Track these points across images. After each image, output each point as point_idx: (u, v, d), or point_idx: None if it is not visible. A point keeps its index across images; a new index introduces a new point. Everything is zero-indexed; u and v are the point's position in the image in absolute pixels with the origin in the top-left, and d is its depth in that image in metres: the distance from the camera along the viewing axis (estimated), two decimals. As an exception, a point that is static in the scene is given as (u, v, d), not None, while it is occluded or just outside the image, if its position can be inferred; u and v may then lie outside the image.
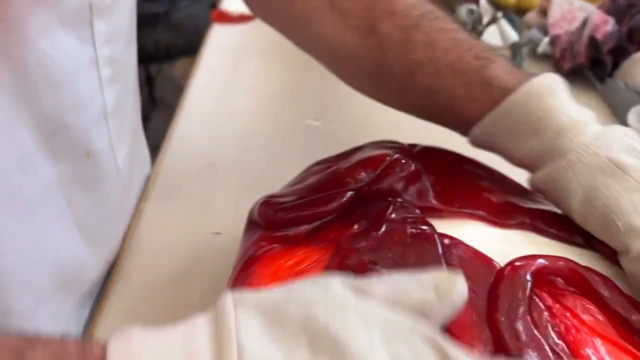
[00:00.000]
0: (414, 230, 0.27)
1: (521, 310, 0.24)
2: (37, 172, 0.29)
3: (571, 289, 0.26)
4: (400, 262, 0.26)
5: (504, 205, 0.31)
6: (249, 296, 0.20)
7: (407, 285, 0.21)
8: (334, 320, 0.19)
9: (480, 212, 0.30)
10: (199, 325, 0.20)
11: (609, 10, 0.67)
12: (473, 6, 0.70)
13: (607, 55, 0.58)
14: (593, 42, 0.58)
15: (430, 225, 0.28)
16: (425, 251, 0.26)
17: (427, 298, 0.20)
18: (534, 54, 0.69)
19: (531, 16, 0.76)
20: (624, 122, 0.57)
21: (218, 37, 0.77)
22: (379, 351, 0.18)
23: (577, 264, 0.27)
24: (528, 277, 0.26)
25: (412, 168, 0.30)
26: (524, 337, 0.23)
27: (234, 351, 0.19)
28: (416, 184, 0.30)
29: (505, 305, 0.25)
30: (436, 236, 0.27)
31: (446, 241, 0.28)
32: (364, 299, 0.20)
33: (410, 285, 0.21)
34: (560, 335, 0.24)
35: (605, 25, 0.59)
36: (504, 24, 0.68)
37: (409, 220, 0.28)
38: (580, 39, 0.61)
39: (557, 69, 0.65)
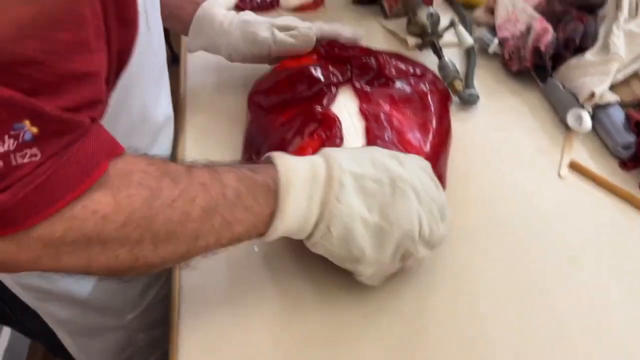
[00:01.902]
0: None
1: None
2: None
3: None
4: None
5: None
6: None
7: None
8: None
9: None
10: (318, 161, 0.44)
11: (544, 12, 0.78)
12: (432, 10, 0.78)
13: (548, 61, 0.69)
14: (537, 52, 0.69)
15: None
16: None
17: None
18: (485, 53, 0.79)
19: (479, 13, 0.86)
20: (563, 118, 0.69)
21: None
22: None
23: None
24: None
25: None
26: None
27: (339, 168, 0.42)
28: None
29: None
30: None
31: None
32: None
33: None
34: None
35: (546, 35, 0.70)
36: (461, 29, 0.77)
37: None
38: (525, 45, 0.72)
39: (506, 68, 0.76)
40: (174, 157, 0.68)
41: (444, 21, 0.82)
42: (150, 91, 0.57)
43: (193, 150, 0.67)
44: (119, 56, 0.37)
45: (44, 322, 0.66)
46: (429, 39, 0.77)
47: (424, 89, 0.60)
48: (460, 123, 0.71)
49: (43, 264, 0.35)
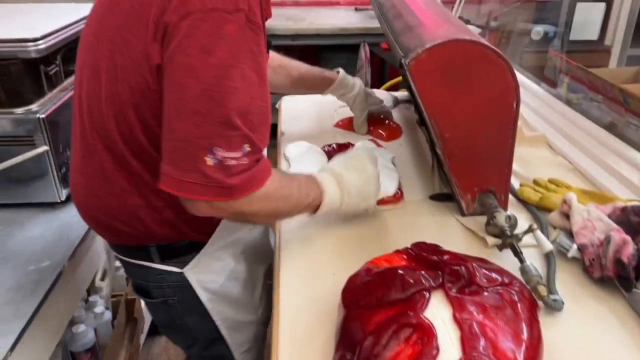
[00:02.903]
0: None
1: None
2: None
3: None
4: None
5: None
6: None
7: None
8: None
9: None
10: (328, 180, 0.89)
11: (619, 221, 0.82)
12: (510, 213, 0.84)
13: (632, 272, 0.71)
14: (619, 262, 0.72)
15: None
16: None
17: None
18: (564, 256, 0.82)
19: (554, 216, 0.91)
20: (652, 330, 0.68)
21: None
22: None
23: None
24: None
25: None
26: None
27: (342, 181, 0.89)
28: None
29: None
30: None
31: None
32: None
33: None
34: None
35: (627, 247, 0.74)
36: (539, 234, 0.82)
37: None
38: (606, 254, 0.75)
39: (588, 274, 0.78)
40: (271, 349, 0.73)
41: (520, 222, 0.88)
42: None
43: (289, 349, 0.71)
44: None
45: (210, 324, 0.96)
46: (508, 241, 0.82)
47: (514, 297, 0.64)
48: (547, 329, 0.71)
49: (259, 211, 0.78)
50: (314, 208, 0.86)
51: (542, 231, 0.89)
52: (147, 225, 0.84)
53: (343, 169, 0.90)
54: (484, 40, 0.83)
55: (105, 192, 0.83)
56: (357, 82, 1.29)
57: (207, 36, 0.66)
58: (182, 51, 0.66)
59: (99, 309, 1.47)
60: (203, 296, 0.92)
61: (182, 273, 0.90)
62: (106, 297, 1.55)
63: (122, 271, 1.63)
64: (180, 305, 0.94)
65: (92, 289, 1.52)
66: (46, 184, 1.18)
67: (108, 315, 1.50)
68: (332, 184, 0.87)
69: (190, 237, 0.88)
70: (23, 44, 1.10)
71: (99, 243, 1.26)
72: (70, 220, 1.16)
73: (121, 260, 0.97)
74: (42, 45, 1.12)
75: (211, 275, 0.93)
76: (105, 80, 0.76)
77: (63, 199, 1.20)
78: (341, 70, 1.28)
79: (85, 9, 1.37)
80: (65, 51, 1.29)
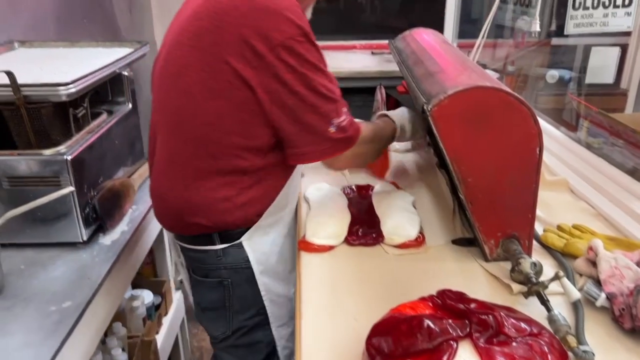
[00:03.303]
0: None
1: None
2: None
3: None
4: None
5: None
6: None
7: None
8: None
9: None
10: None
11: (648, 269, 0.79)
12: (535, 260, 0.83)
13: (664, 323, 0.69)
14: (652, 313, 0.70)
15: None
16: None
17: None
18: (592, 305, 0.80)
19: (579, 264, 0.89)
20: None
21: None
22: None
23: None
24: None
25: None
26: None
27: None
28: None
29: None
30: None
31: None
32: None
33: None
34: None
35: (658, 296, 0.71)
36: (566, 282, 0.80)
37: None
38: (636, 304, 0.73)
39: (617, 324, 0.76)
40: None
41: (545, 268, 0.87)
42: None
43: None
44: None
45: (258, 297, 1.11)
46: (534, 288, 0.81)
47: (544, 348, 0.62)
48: (578, 383, 0.69)
49: (368, 150, 1.10)
50: (391, 140, 1.20)
51: (568, 278, 0.87)
52: (222, 214, 1.03)
53: (405, 111, 1.22)
54: (505, 87, 0.84)
55: (188, 192, 1.03)
56: None
57: (295, 56, 0.90)
58: (286, 71, 0.91)
59: (115, 350, 1.45)
60: (255, 266, 1.08)
61: (239, 244, 1.06)
62: (123, 338, 1.54)
63: (139, 311, 1.62)
64: (233, 287, 1.10)
65: (108, 331, 1.51)
66: (69, 223, 1.19)
67: (124, 357, 1.48)
68: (403, 120, 1.19)
69: (253, 223, 1.05)
70: (55, 87, 1.14)
71: (120, 283, 1.26)
72: (91, 261, 1.17)
73: (184, 249, 1.14)
74: (73, 89, 1.15)
75: (261, 245, 1.09)
76: (200, 100, 0.96)
77: (85, 239, 1.21)
78: None
79: (115, 54, 1.42)
80: (93, 94, 1.32)
